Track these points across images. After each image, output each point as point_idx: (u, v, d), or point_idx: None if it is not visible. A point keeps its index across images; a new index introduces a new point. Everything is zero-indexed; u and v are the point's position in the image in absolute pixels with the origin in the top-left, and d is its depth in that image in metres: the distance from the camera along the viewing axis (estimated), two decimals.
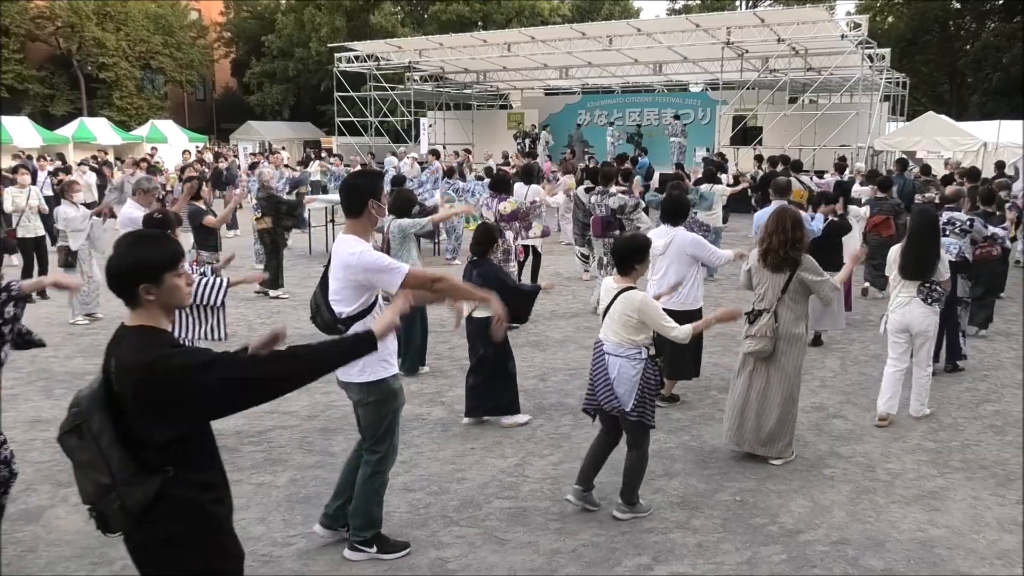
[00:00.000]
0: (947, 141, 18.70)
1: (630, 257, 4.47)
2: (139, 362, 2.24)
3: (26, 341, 3.98)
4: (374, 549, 4.04)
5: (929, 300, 5.80)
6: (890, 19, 39.87)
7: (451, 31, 30.86)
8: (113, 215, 9.54)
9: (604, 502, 4.60)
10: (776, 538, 4.28)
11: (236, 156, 28.00)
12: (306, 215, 12.67)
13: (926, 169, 14.05)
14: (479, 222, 7.57)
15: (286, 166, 18.02)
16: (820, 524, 4.44)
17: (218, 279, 5.53)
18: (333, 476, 4.43)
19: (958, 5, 37.42)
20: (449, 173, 14.39)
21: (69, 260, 8.89)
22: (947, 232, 6.96)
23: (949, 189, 8.41)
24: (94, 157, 23.60)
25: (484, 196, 10.51)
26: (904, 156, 16.93)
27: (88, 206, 10.58)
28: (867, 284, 10.34)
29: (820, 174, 17.05)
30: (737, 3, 44.58)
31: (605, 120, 27.97)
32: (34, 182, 12.50)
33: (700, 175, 13.00)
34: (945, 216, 7.15)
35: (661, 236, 6.07)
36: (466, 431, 5.84)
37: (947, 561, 4.07)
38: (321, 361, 2.45)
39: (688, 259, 6.03)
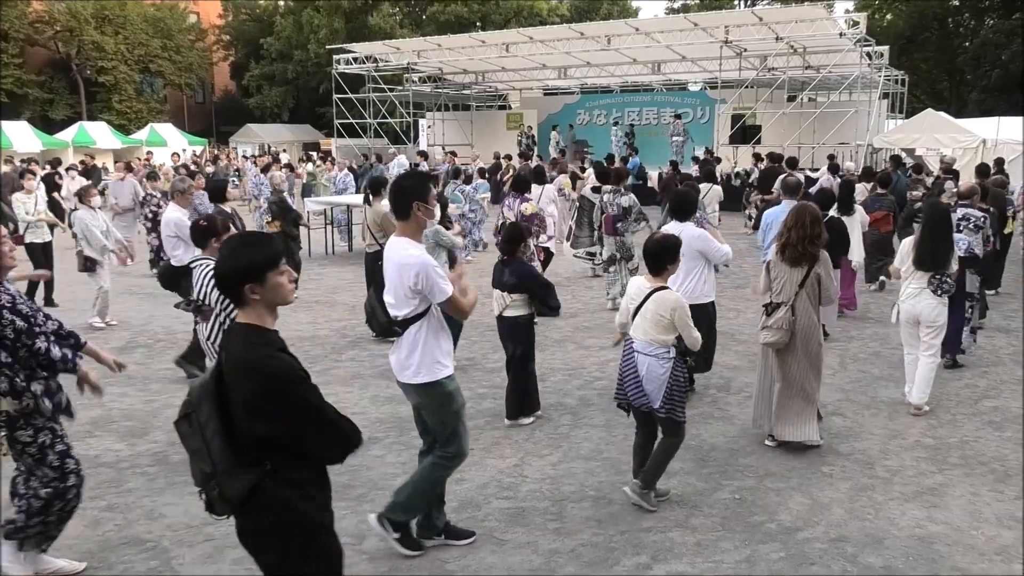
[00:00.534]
0: (946, 138, 18.70)
1: (662, 257, 4.51)
2: (244, 359, 2.42)
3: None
4: (396, 535, 4.03)
5: (939, 292, 5.91)
6: (888, 16, 39.87)
7: (449, 32, 30.93)
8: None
9: (662, 506, 4.59)
10: (775, 536, 4.28)
11: (230, 160, 27.91)
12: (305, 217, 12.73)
13: (918, 168, 14.16)
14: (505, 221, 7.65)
15: (291, 169, 17.98)
16: (819, 522, 4.44)
17: None
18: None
19: (957, 2, 37.40)
20: (456, 174, 14.44)
21: (88, 266, 8.79)
22: (961, 228, 7.00)
23: (964, 185, 8.41)
24: (82, 162, 23.62)
25: (486, 194, 10.59)
26: (898, 154, 16.96)
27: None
28: (882, 278, 10.36)
29: (814, 171, 17.10)
30: (735, 2, 44.53)
31: (605, 120, 28.00)
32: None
33: (697, 173, 13.03)
34: (960, 212, 7.18)
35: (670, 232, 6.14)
36: None
37: (946, 557, 4.07)
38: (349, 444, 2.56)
39: (695, 254, 6.08)
